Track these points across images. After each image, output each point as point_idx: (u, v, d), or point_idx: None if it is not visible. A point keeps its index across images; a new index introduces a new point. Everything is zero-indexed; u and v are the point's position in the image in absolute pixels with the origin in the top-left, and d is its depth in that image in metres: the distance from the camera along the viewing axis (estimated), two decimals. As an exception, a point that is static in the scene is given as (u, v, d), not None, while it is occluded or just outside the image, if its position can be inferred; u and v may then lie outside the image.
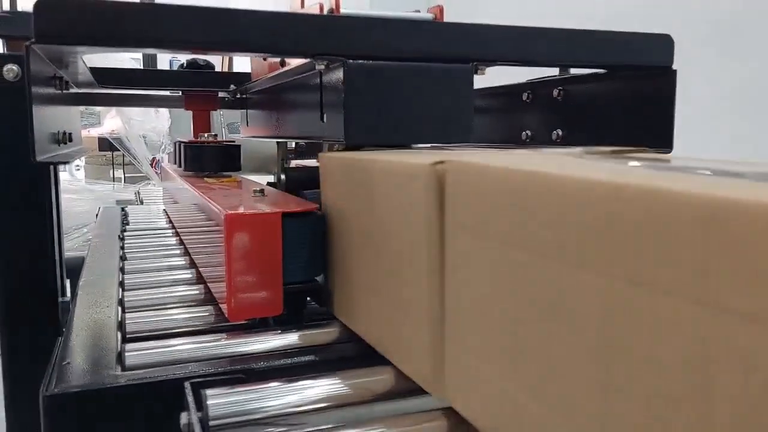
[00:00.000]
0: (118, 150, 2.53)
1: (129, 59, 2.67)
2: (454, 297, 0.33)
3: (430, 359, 0.35)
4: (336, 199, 0.48)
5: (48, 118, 0.58)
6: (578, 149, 0.37)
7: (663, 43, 0.59)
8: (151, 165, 2.48)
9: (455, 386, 0.34)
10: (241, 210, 0.47)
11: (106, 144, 2.53)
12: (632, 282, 0.21)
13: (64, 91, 0.71)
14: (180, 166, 0.88)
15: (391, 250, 0.39)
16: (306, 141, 0.87)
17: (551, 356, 0.26)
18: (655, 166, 0.28)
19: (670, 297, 0.20)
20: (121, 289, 0.62)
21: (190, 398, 0.38)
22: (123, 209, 1.16)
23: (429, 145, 0.53)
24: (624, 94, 0.61)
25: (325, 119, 0.54)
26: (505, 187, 0.28)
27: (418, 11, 0.62)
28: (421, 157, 0.36)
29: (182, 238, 0.82)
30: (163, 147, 2.46)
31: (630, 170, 0.26)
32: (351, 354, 0.46)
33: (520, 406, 0.28)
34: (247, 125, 0.94)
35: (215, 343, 0.47)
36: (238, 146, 0.85)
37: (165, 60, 2.56)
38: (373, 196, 0.41)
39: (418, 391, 0.39)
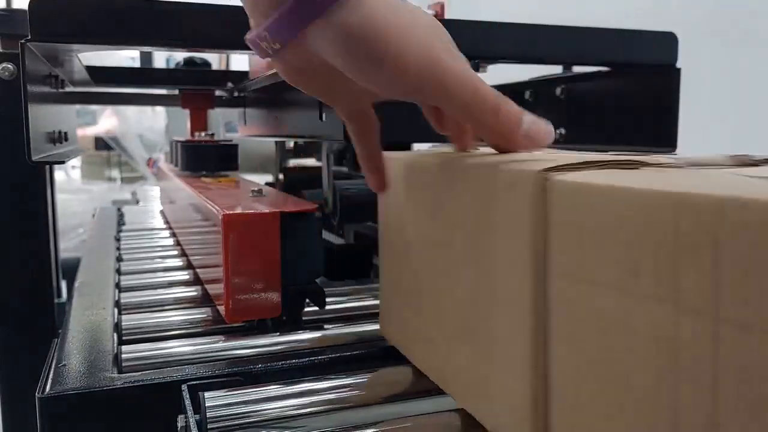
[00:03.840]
0: (115, 149, 2.52)
1: (126, 57, 2.66)
2: (563, 343, 0.26)
3: (531, 417, 0.28)
4: (398, 206, 0.41)
5: (44, 117, 0.57)
6: (721, 156, 0.30)
7: (667, 41, 0.58)
8: (148, 164, 2.47)
9: None
10: (238, 210, 0.47)
11: (102, 143, 2.52)
12: None
13: (60, 90, 0.70)
14: (177, 165, 0.87)
15: (475, 274, 0.32)
16: (304, 140, 0.87)
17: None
18: None
19: None
20: (117, 291, 0.62)
21: (187, 401, 0.38)
22: (119, 209, 1.15)
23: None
24: (627, 92, 0.61)
25: (323, 118, 0.53)
26: (641, 214, 0.21)
27: (419, 8, 0.61)
28: (524, 162, 0.29)
29: (179, 238, 0.82)
30: (159, 146, 2.45)
31: None
32: (350, 357, 0.46)
33: None
34: (245, 124, 0.93)
35: (213, 345, 0.47)
36: (236, 145, 0.85)
37: (161, 58, 2.56)
38: (451, 207, 0.34)
39: (423, 392, 0.39)
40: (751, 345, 0.18)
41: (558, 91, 0.68)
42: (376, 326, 0.47)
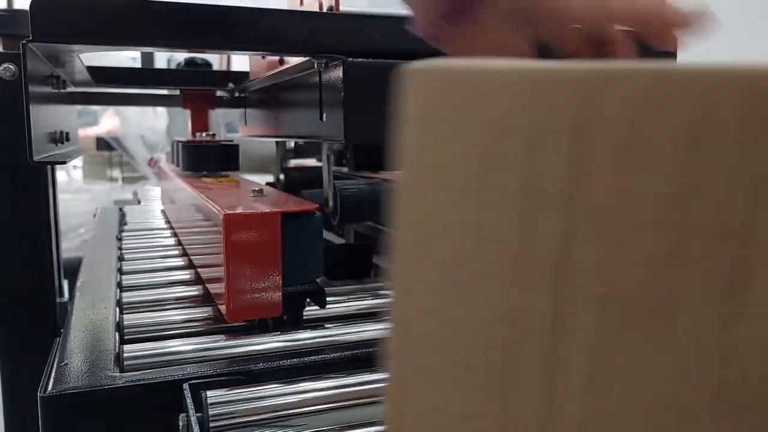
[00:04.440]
0: (116, 150, 2.53)
1: (127, 58, 2.67)
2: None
3: None
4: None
5: (45, 117, 0.58)
6: None
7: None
8: (149, 165, 2.47)
9: None
10: (239, 210, 0.47)
11: (103, 144, 2.52)
12: None
13: (62, 90, 0.70)
14: (178, 165, 0.88)
15: None
16: (305, 140, 0.87)
17: None
18: None
19: None
20: (119, 290, 0.62)
21: (188, 399, 0.38)
22: (121, 209, 1.16)
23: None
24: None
25: (324, 118, 0.54)
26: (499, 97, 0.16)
27: None
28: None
29: (180, 238, 0.82)
30: (160, 147, 2.46)
31: None
32: (350, 357, 0.46)
33: None
34: (246, 124, 0.93)
35: (214, 345, 0.47)
36: (237, 146, 0.85)
37: (162, 58, 2.56)
38: None
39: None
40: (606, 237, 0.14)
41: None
42: (377, 326, 0.47)
